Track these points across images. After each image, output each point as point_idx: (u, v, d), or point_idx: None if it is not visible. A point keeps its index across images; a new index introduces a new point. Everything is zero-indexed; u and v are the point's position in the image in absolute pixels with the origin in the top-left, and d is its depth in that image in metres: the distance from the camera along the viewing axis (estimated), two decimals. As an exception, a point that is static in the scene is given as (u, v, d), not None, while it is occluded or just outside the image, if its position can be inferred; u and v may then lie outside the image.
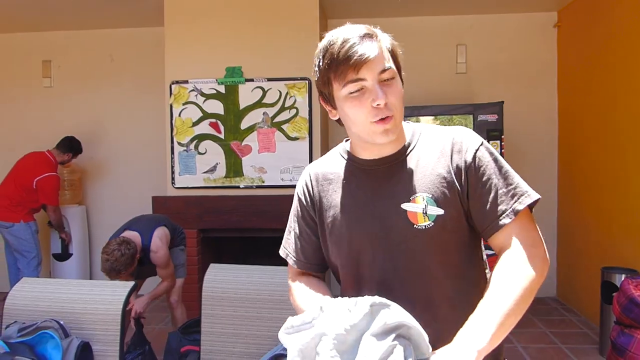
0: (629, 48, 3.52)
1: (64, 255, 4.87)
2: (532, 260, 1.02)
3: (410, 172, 1.12)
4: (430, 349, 0.93)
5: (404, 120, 1.18)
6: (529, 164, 4.63)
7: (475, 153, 1.09)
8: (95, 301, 1.75)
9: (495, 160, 1.10)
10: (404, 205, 1.09)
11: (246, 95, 4.20)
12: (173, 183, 4.26)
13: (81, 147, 4.64)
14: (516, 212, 1.05)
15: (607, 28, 3.81)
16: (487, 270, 1.20)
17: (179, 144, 4.25)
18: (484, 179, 1.08)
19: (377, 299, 0.92)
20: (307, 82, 4.14)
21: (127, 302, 1.72)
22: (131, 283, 1.80)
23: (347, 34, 1.05)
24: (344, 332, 0.89)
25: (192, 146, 4.24)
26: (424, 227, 1.08)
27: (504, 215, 1.05)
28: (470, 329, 0.95)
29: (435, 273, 1.10)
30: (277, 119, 4.18)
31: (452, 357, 0.90)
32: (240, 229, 4.17)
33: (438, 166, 1.11)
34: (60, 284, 1.82)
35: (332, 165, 1.24)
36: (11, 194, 4.23)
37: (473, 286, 1.12)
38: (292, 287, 1.26)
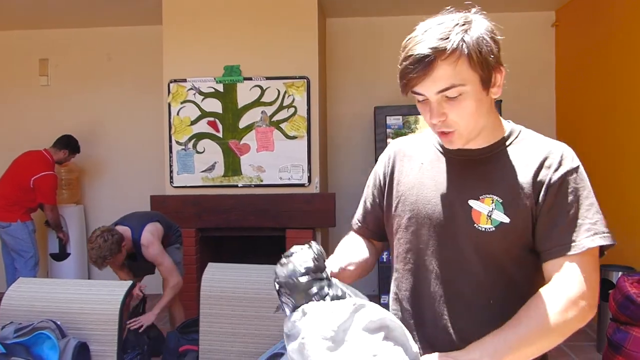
0: (627, 47, 3.52)
1: (62, 255, 4.86)
2: (579, 303, 0.98)
3: (490, 171, 1.09)
4: (417, 348, 0.94)
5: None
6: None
7: (566, 175, 1.04)
8: (93, 301, 1.75)
9: (584, 189, 1.05)
10: (471, 202, 1.07)
11: (244, 94, 4.19)
12: (171, 182, 4.25)
13: (78, 146, 4.62)
14: (586, 248, 1.00)
15: (605, 27, 3.81)
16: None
17: (177, 142, 4.24)
18: (565, 202, 1.03)
19: (358, 300, 0.93)
20: (305, 80, 4.13)
21: (124, 301, 1.72)
22: (129, 282, 1.79)
23: (414, 46, 1.00)
24: (332, 333, 0.88)
25: (190, 145, 4.23)
26: (483, 229, 1.05)
27: (571, 245, 1.00)
28: (485, 344, 0.95)
29: (480, 276, 1.07)
30: (275, 118, 4.17)
31: None
32: (239, 228, 4.17)
33: (521, 174, 1.06)
34: (57, 284, 1.82)
35: (418, 144, 1.23)
36: (8, 193, 4.21)
37: (520, 297, 1.06)
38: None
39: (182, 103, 4.22)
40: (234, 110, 4.20)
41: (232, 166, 4.21)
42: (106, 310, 1.72)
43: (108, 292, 1.77)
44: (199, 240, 4.21)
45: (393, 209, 1.19)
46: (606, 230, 1.02)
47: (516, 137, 1.12)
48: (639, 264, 3.28)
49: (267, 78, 4.16)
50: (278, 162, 4.17)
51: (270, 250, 4.44)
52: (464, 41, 0.98)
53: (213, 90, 4.20)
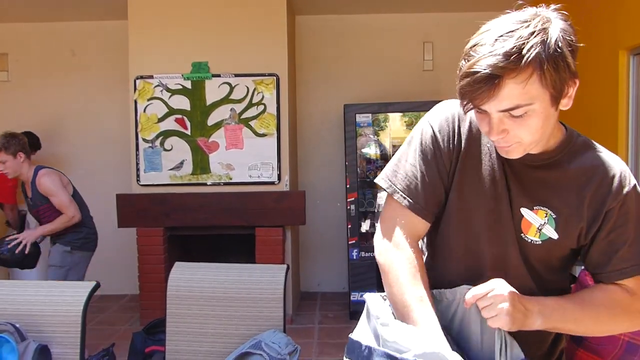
0: (591, 46, 3.62)
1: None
2: (635, 308, 1.02)
3: (547, 180, 1.04)
4: None
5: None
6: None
7: (626, 196, 1.01)
8: (55, 302, 1.70)
9: None
10: (524, 211, 1.04)
11: (213, 91, 4.14)
12: (138, 180, 4.17)
13: (39, 143, 4.49)
14: None
15: (576, 24, 3.91)
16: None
17: (144, 140, 4.16)
18: (625, 224, 1.02)
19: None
20: (274, 77, 4.11)
21: (87, 303, 1.67)
22: (92, 283, 1.75)
23: (479, 60, 0.87)
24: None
25: (157, 143, 4.16)
26: (530, 240, 1.04)
27: (632, 269, 1.02)
28: (546, 304, 0.98)
29: (524, 280, 1.07)
30: (244, 115, 4.14)
31: (518, 309, 0.93)
32: (208, 227, 4.12)
33: (579, 189, 1.02)
34: (15, 286, 1.76)
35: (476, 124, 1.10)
36: (-35, 192, 4.07)
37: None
38: (395, 256, 1.04)
39: (148, 100, 4.15)
40: (202, 108, 4.14)
41: (201, 164, 4.15)
42: (68, 312, 1.68)
43: (71, 293, 1.72)
44: (166, 240, 4.15)
45: (456, 199, 1.08)
46: None
47: (574, 143, 1.07)
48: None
49: (236, 75, 4.13)
50: (247, 160, 4.14)
51: (239, 249, 4.41)
52: (539, 57, 0.85)
53: (181, 87, 4.14)
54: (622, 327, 1.06)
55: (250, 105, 4.14)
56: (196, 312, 1.85)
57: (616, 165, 1.04)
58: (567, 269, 1.15)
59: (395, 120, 4.47)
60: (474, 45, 0.91)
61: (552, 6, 0.94)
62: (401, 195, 1.06)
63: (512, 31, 0.87)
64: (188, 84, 4.14)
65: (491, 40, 0.88)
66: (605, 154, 1.07)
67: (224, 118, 4.14)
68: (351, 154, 4.33)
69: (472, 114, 1.04)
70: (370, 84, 4.80)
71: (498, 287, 0.94)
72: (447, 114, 1.08)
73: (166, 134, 4.15)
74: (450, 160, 1.07)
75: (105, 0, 4.37)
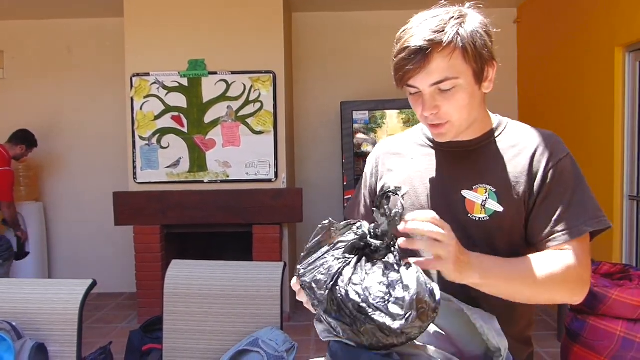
0: (587, 42, 3.62)
1: (20, 254, 4.70)
2: (580, 275, 1.01)
3: (481, 161, 1.10)
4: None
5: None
6: (491, 157, 4.73)
7: (559, 162, 1.06)
8: (52, 300, 1.70)
9: (577, 176, 1.07)
10: (465, 192, 1.08)
11: (210, 88, 4.13)
12: (135, 178, 4.16)
13: (36, 140, 4.48)
14: (581, 233, 1.02)
15: (566, 23, 3.92)
16: None
17: (141, 137, 4.15)
18: (559, 190, 1.05)
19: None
20: (271, 75, 4.10)
21: (84, 301, 1.67)
22: (89, 281, 1.74)
23: (409, 38, 1.00)
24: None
25: (154, 140, 4.15)
26: (477, 218, 1.06)
27: (566, 232, 1.03)
28: (484, 260, 0.97)
29: None
30: (241, 113, 4.13)
31: (461, 257, 0.91)
32: (205, 225, 4.12)
33: (513, 164, 1.08)
34: (12, 284, 1.76)
35: (406, 141, 1.24)
36: (-38, 190, 4.06)
37: None
38: None
39: (145, 97, 4.14)
40: (199, 105, 4.14)
41: (198, 162, 4.15)
42: (65, 310, 1.67)
43: (68, 291, 1.72)
44: (163, 238, 4.15)
45: None
46: (600, 215, 1.05)
47: (504, 128, 1.15)
48: (597, 254, 3.39)
49: (233, 72, 4.12)
50: (244, 158, 4.13)
51: (236, 246, 4.41)
52: (459, 34, 0.99)
53: (177, 84, 4.13)
54: (561, 295, 1.02)
55: (247, 102, 4.13)
56: (193, 310, 1.85)
57: (549, 136, 1.12)
58: (528, 252, 1.14)
59: (392, 118, 4.47)
60: (404, 31, 1.03)
61: (468, 4, 1.08)
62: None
63: (435, 16, 1.02)
64: (185, 82, 4.13)
65: (418, 23, 1.02)
66: (535, 129, 1.14)
67: (220, 115, 4.13)
68: (348, 151, 4.33)
69: (390, 144, 1.25)
70: (367, 81, 4.80)
71: (448, 229, 0.92)
72: (374, 149, 1.32)
73: (163, 131, 4.14)
74: (376, 182, 1.25)
75: (101, -3, 4.36)
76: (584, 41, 3.63)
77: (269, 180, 4.12)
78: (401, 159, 1.21)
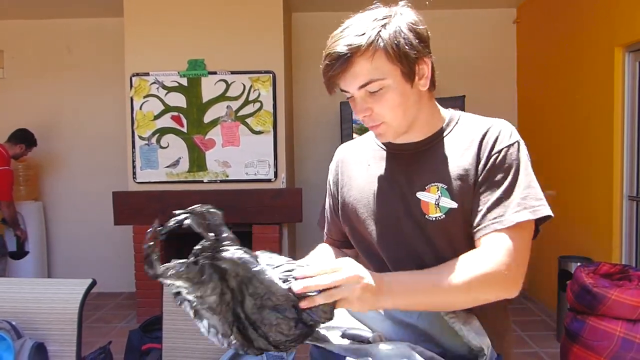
0: (587, 43, 3.63)
1: (20, 253, 4.70)
2: (501, 271, 0.96)
3: (432, 161, 1.09)
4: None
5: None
6: (490, 157, 4.73)
7: (501, 151, 1.04)
8: (51, 300, 1.70)
9: (518, 165, 1.04)
10: (419, 194, 1.07)
11: (209, 88, 4.13)
12: (134, 178, 4.17)
13: (35, 140, 4.48)
14: (512, 222, 0.99)
15: (565, 23, 3.92)
16: None
17: (140, 137, 4.15)
18: (498, 177, 1.03)
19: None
20: (271, 75, 4.10)
21: (84, 301, 1.67)
22: (88, 281, 1.74)
23: (332, 45, 1.01)
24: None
25: (153, 140, 4.15)
26: (434, 218, 1.05)
27: (496, 221, 1.00)
28: (397, 282, 0.96)
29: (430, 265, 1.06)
30: (241, 113, 4.13)
31: (364, 292, 0.90)
32: (204, 224, 4.11)
33: (463, 157, 1.07)
34: (12, 283, 1.75)
35: (362, 146, 1.24)
36: (-38, 189, 4.05)
37: None
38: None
39: (145, 97, 4.14)
40: (198, 105, 4.14)
41: (197, 161, 4.15)
42: (65, 309, 1.67)
43: (67, 290, 1.72)
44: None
45: (349, 214, 1.20)
46: (536, 204, 1.01)
47: (456, 123, 1.13)
48: (597, 255, 3.40)
49: (232, 72, 4.12)
50: (244, 158, 4.13)
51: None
52: (380, 36, 0.99)
53: (177, 84, 4.13)
54: (488, 296, 0.98)
55: (247, 102, 4.13)
56: (193, 310, 1.85)
57: (496, 124, 1.09)
58: None
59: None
60: (331, 37, 1.04)
61: (402, 2, 1.08)
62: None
63: (360, 20, 1.03)
64: (184, 82, 4.13)
65: (342, 29, 1.03)
66: (486, 119, 1.12)
67: (220, 115, 4.13)
68: (348, 151, 4.33)
69: (347, 150, 1.26)
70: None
71: (346, 266, 0.91)
72: (334, 158, 1.30)
73: (162, 131, 4.14)
74: (337, 189, 1.25)
75: (101, -3, 4.36)
76: (584, 41, 3.63)
77: (269, 180, 4.12)
78: (359, 166, 1.21)
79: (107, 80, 4.83)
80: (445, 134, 1.12)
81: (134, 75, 4.14)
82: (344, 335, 1.02)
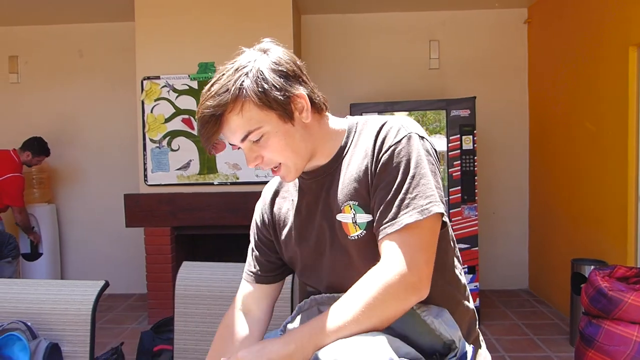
0: (598, 42, 3.59)
1: (34, 255, 4.75)
2: (395, 285, 0.92)
3: (340, 180, 1.07)
4: None
5: (346, 117, 1.16)
6: (501, 158, 4.70)
7: (390, 148, 1.00)
8: (65, 301, 1.71)
9: (407, 162, 0.99)
10: (339, 217, 1.05)
11: (220, 91, 4.14)
12: (145, 180, 4.19)
13: (47, 148, 4.51)
14: (402, 224, 0.95)
15: (577, 23, 3.89)
16: (457, 271, 1.14)
17: (151, 140, 4.18)
18: (388, 178, 0.99)
19: None
20: (281, 77, 4.11)
21: (97, 302, 1.68)
22: (101, 282, 1.76)
23: (201, 108, 1.00)
24: None
25: (164, 143, 4.17)
26: (356, 237, 1.03)
27: (389, 224, 0.96)
28: (301, 333, 0.95)
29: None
30: (251, 115, 4.14)
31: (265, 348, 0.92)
32: (215, 227, 4.13)
33: (361, 168, 1.04)
34: (27, 284, 1.77)
35: (284, 182, 1.23)
36: (-25, 193, 4.10)
37: None
38: (225, 317, 1.28)
39: (155, 100, 4.17)
40: (209, 108, 4.15)
41: (208, 164, 4.17)
42: (78, 310, 1.68)
43: (81, 292, 1.73)
44: (174, 239, 4.17)
45: (284, 251, 1.21)
46: (425, 203, 0.96)
47: (353, 136, 1.10)
48: (611, 258, 3.36)
49: (243, 75, 4.12)
50: (254, 160, 4.14)
51: (246, 248, 4.41)
52: (243, 87, 0.97)
53: (187, 87, 4.15)
54: (395, 310, 0.93)
55: (257, 105, 4.14)
56: (204, 312, 1.86)
57: (385, 124, 1.05)
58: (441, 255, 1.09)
59: (402, 119, 4.45)
60: (201, 95, 1.02)
61: (267, 39, 1.10)
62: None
63: (223, 74, 1.01)
64: (195, 84, 4.15)
65: (208, 87, 1.01)
66: (378, 121, 1.07)
67: (230, 118, 4.14)
68: (358, 153, 4.32)
69: (272, 188, 1.24)
70: (377, 83, 4.80)
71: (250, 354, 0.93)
72: (259, 200, 1.29)
73: (173, 134, 4.16)
74: (268, 230, 1.24)
75: (113, 2, 4.39)
76: (597, 41, 3.60)
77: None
78: (285, 201, 1.21)
79: (119, 84, 4.87)
80: (346, 150, 1.09)
81: (145, 79, 4.17)
82: None
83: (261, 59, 1.02)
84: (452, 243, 1.13)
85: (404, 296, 0.93)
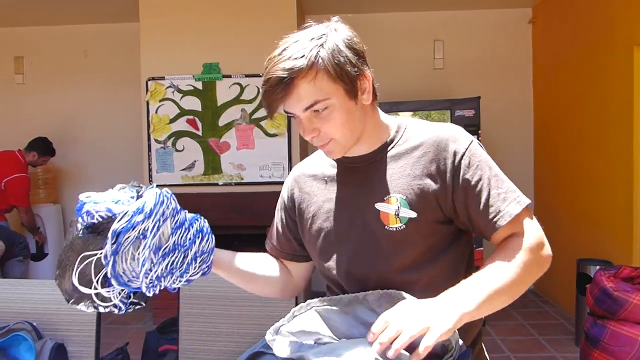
0: (604, 42, 3.58)
1: (39, 255, 4.77)
2: (537, 252, 1.01)
3: (388, 171, 1.10)
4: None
5: (389, 114, 1.17)
6: (506, 158, 4.67)
7: (466, 152, 1.06)
8: (70, 302, 1.72)
9: (487, 161, 1.07)
10: (378, 205, 1.08)
11: (224, 91, 4.16)
12: (150, 181, 4.20)
13: (52, 148, 4.53)
14: (512, 214, 1.02)
15: (581, 23, 3.88)
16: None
17: (156, 141, 4.19)
18: (477, 179, 1.04)
19: None
20: (285, 78, 4.11)
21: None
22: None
23: (271, 68, 1.00)
24: None
25: (169, 143, 4.19)
26: (394, 229, 1.06)
27: (498, 217, 1.02)
28: (459, 292, 0.95)
29: (401, 276, 1.07)
30: (255, 116, 4.15)
31: (435, 310, 0.91)
32: (220, 227, 4.12)
33: (417, 167, 1.07)
34: (32, 285, 1.78)
35: (318, 163, 1.24)
36: (-19, 193, 4.12)
37: (449, 275, 1.08)
38: None
39: (160, 101, 4.18)
40: (213, 108, 4.16)
41: (212, 164, 4.17)
42: (84, 310, 1.69)
43: (85, 292, 1.74)
44: (179, 240, 4.17)
45: (307, 231, 1.21)
46: (517, 195, 1.04)
47: (404, 132, 1.13)
48: (616, 258, 3.35)
49: (247, 75, 4.14)
50: (258, 160, 4.15)
51: (251, 249, 4.42)
52: (319, 56, 0.98)
53: (192, 88, 4.16)
54: (534, 277, 1.02)
55: (261, 105, 4.14)
56: (209, 312, 1.86)
57: (447, 129, 1.10)
58: (463, 261, 1.13)
59: (406, 120, 4.45)
60: (269, 59, 1.03)
61: (335, 18, 1.07)
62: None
63: (297, 41, 1.01)
64: (199, 85, 4.16)
65: (280, 51, 1.01)
66: (433, 125, 1.13)
67: (234, 118, 4.15)
68: (362, 154, 4.32)
69: (304, 168, 1.26)
70: (381, 82, 4.71)
71: (404, 311, 0.92)
72: (288, 177, 1.33)
73: (178, 134, 4.18)
74: (294, 206, 1.26)
75: (117, 2, 4.41)
76: (601, 41, 3.59)
77: (283, 183, 4.13)
78: (317, 181, 1.22)
79: (123, 85, 4.88)
80: (394, 143, 1.12)
81: (149, 80, 4.18)
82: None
83: (334, 34, 1.02)
84: (472, 245, 1.20)
85: (545, 262, 1.03)
